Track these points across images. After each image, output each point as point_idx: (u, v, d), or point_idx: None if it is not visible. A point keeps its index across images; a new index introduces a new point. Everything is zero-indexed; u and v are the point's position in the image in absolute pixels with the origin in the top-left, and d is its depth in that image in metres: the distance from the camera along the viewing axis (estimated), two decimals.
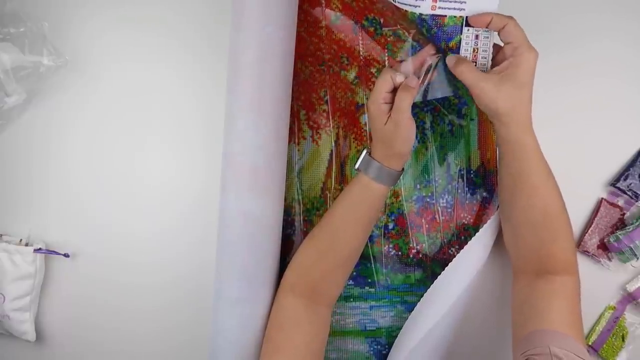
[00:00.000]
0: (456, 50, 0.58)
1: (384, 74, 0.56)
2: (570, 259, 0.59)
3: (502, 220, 0.63)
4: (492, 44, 0.57)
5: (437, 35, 0.58)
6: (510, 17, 0.54)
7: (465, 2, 0.55)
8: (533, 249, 0.59)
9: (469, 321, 0.67)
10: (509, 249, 0.62)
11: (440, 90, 0.60)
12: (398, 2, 0.57)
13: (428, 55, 0.59)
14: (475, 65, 0.58)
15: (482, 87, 0.54)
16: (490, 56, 0.58)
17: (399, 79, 0.56)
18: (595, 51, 0.68)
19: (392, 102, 0.57)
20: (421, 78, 0.58)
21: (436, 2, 0.55)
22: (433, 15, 0.56)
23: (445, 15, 0.56)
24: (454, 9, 0.55)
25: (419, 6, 0.56)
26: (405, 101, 0.55)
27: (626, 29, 0.68)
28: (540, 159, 0.57)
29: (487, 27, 0.55)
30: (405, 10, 0.57)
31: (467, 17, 0.56)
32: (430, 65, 0.59)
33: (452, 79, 0.63)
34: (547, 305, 0.56)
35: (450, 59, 0.57)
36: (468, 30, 0.57)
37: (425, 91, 0.59)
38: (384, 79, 0.56)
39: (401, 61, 0.59)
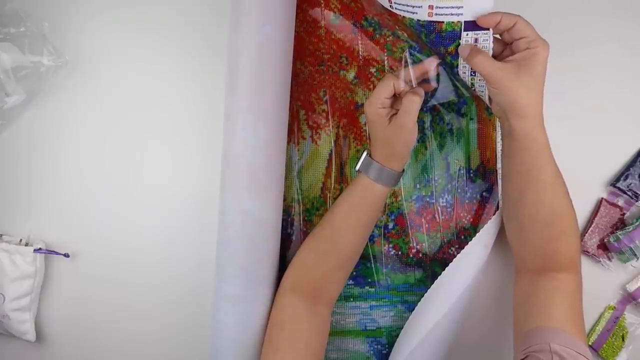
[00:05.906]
0: (455, 54, 0.57)
1: (387, 80, 0.56)
2: (575, 257, 0.59)
3: (506, 217, 0.62)
4: (492, 47, 0.55)
5: (435, 40, 0.57)
6: (518, 15, 0.53)
7: (462, 7, 0.53)
8: (539, 246, 0.58)
9: (469, 321, 0.67)
10: (513, 246, 0.62)
11: (442, 94, 0.60)
12: (395, 9, 0.56)
13: (429, 65, 0.58)
14: None
15: (502, 77, 0.53)
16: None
17: (402, 86, 0.56)
18: (595, 53, 0.68)
19: (390, 107, 0.57)
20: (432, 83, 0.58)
21: (432, 9, 0.53)
22: (430, 21, 0.55)
23: (443, 22, 0.55)
24: (452, 14, 0.54)
25: (416, 13, 0.55)
26: (414, 104, 0.55)
27: (626, 31, 0.68)
28: (551, 155, 0.56)
29: (496, 27, 0.53)
30: (403, 17, 0.57)
31: (466, 21, 0.54)
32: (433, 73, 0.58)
33: (453, 82, 0.63)
34: (548, 302, 0.56)
35: (463, 49, 0.55)
36: (467, 34, 0.55)
37: (427, 96, 0.59)
38: (386, 84, 0.56)
39: (405, 65, 0.59)
